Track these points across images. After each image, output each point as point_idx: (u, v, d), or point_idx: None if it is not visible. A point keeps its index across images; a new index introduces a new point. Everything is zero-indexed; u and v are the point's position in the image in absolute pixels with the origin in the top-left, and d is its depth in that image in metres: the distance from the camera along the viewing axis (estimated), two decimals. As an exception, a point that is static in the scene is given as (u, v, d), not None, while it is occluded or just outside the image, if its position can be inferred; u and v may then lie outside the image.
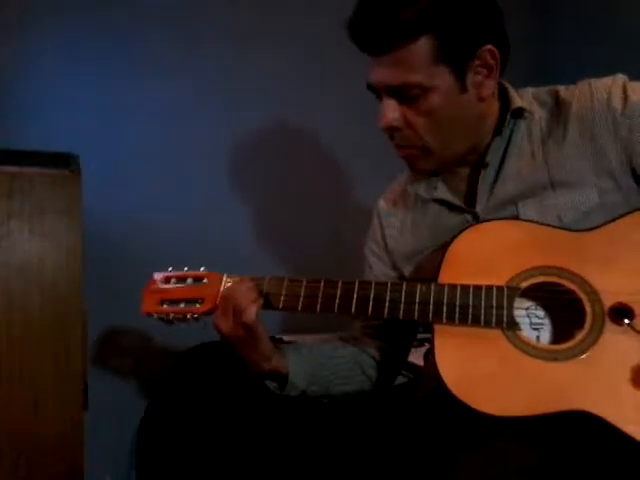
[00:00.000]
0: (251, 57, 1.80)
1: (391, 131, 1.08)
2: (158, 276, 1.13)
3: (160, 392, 1.47)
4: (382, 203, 1.28)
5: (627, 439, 0.85)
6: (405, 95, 1.04)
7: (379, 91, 1.07)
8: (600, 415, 0.87)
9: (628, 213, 1.00)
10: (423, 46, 1.00)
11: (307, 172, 1.90)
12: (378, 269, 1.25)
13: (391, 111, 1.05)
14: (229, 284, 1.08)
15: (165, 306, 1.09)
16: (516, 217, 1.07)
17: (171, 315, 1.09)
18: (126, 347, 1.67)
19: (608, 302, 0.93)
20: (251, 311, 1.02)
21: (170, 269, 1.14)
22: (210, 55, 1.77)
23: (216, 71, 1.78)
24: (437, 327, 0.99)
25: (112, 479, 1.64)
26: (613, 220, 0.99)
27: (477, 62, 1.04)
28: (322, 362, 1.15)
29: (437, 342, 0.98)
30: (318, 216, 1.90)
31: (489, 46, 1.03)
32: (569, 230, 1.01)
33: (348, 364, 1.18)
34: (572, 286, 0.96)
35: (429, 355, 1.06)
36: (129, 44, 1.69)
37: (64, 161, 1.18)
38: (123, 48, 1.68)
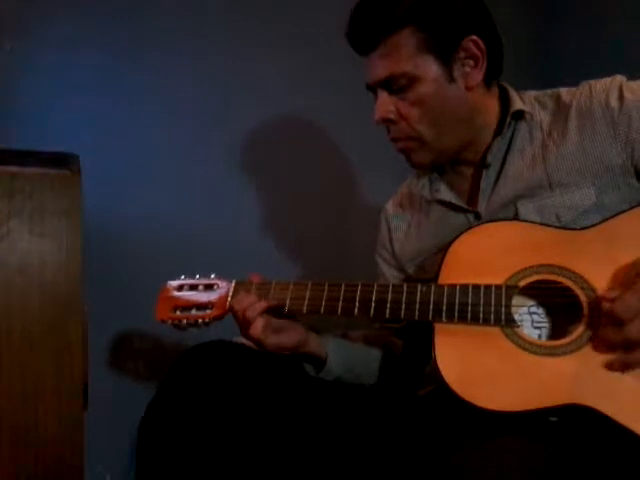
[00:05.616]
0: (251, 57, 1.80)
1: (386, 123, 1.12)
2: (171, 284, 1.18)
3: (160, 392, 1.47)
4: (389, 207, 1.31)
5: (626, 432, 0.86)
6: (394, 87, 1.09)
7: (375, 88, 1.11)
8: (598, 409, 0.88)
9: (625, 211, 1.01)
10: (406, 37, 1.06)
11: (310, 171, 1.90)
12: (389, 274, 1.27)
13: (384, 104, 1.10)
14: (236, 295, 1.12)
15: (178, 312, 1.15)
16: (515, 217, 1.08)
17: (184, 321, 1.14)
18: (126, 347, 1.67)
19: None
20: (255, 327, 1.07)
21: (183, 277, 1.19)
22: (211, 54, 1.77)
23: (217, 71, 1.78)
24: (437, 326, 1.01)
25: (112, 479, 1.64)
26: (611, 218, 1.00)
27: (462, 54, 1.08)
28: (358, 353, 1.20)
29: (437, 341, 0.99)
30: (321, 216, 1.90)
31: (473, 37, 1.07)
32: (567, 229, 1.02)
33: (380, 359, 1.22)
34: (569, 283, 0.97)
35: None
36: (129, 44, 1.69)
37: (64, 161, 1.18)
38: (123, 48, 1.68)
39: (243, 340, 1.22)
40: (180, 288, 1.17)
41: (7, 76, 1.57)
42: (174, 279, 1.19)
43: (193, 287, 1.17)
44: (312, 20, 1.85)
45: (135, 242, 1.67)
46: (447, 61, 1.07)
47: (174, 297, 1.16)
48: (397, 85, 1.08)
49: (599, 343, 0.92)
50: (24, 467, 1.11)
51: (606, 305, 0.90)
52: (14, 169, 1.14)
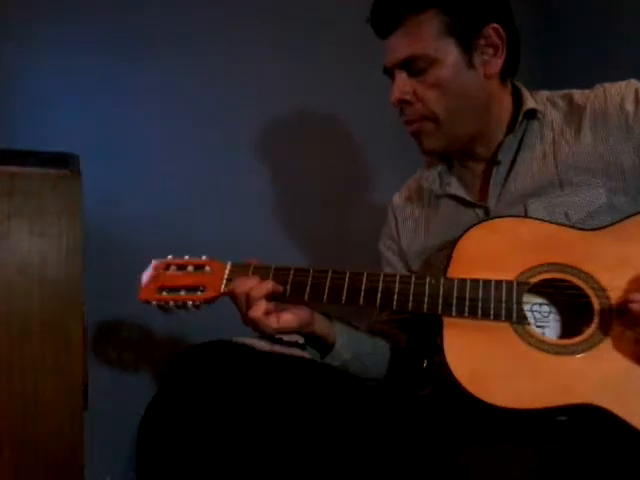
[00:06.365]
0: (251, 57, 1.80)
1: (402, 105, 1.12)
2: (156, 263, 1.11)
3: (160, 392, 1.47)
4: (397, 199, 1.31)
5: (636, 433, 0.86)
6: (413, 68, 1.09)
7: (392, 71, 1.12)
8: (608, 409, 0.87)
9: (637, 213, 1.00)
10: (429, 19, 1.07)
11: (310, 171, 1.90)
12: (396, 264, 1.27)
13: (402, 85, 1.11)
14: (232, 277, 1.07)
15: (164, 294, 1.08)
16: (524, 215, 1.07)
17: (171, 303, 1.08)
18: (126, 347, 1.67)
19: (615, 299, 0.94)
20: (257, 309, 1.03)
21: (170, 257, 1.12)
22: (211, 54, 1.77)
23: (217, 70, 1.78)
24: (446, 321, 0.99)
25: (112, 479, 1.64)
26: (622, 219, 1.00)
27: (483, 41, 1.09)
28: (366, 342, 1.19)
29: (446, 336, 0.98)
30: (322, 215, 1.90)
31: (494, 25, 1.08)
32: (577, 228, 1.02)
33: (387, 351, 1.21)
34: (580, 283, 0.97)
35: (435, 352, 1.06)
36: (129, 44, 1.69)
37: (64, 161, 1.18)
38: (123, 48, 1.68)
39: (244, 340, 1.22)
40: (166, 267, 1.10)
41: (7, 76, 1.57)
42: (159, 259, 1.12)
43: (181, 267, 1.09)
44: (313, 20, 1.85)
45: (135, 242, 1.67)
46: (467, 47, 1.08)
47: (160, 277, 1.09)
48: (416, 67, 1.09)
49: (614, 344, 0.91)
50: (24, 467, 1.11)
51: (636, 307, 0.89)
52: (14, 169, 1.15)
